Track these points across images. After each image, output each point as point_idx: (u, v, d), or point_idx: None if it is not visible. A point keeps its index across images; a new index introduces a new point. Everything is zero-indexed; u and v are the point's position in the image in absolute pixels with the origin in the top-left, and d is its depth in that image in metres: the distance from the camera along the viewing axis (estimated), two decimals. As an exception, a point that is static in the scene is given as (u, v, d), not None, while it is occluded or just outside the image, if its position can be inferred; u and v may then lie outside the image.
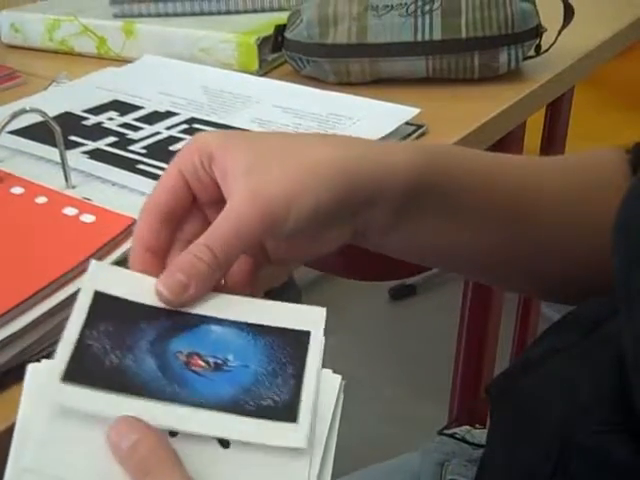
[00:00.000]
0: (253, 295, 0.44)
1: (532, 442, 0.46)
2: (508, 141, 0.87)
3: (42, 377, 0.39)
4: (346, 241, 0.48)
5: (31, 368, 0.39)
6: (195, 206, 0.46)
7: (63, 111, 0.74)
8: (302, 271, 2.00)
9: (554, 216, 0.52)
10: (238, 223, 0.42)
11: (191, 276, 0.41)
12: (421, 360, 1.85)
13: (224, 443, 0.38)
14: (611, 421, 0.42)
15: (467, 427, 0.68)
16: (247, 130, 0.70)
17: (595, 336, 0.47)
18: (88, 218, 0.52)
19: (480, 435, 0.66)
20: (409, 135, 0.72)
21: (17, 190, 0.56)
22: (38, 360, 0.46)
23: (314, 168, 0.43)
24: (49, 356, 0.46)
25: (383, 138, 0.69)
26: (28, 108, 0.59)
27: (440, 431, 0.68)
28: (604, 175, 0.55)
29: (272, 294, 0.48)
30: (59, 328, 0.48)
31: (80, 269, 0.49)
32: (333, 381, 0.40)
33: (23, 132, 0.69)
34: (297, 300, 1.68)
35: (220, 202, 0.44)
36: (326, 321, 0.42)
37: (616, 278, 0.43)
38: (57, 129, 0.60)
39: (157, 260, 0.44)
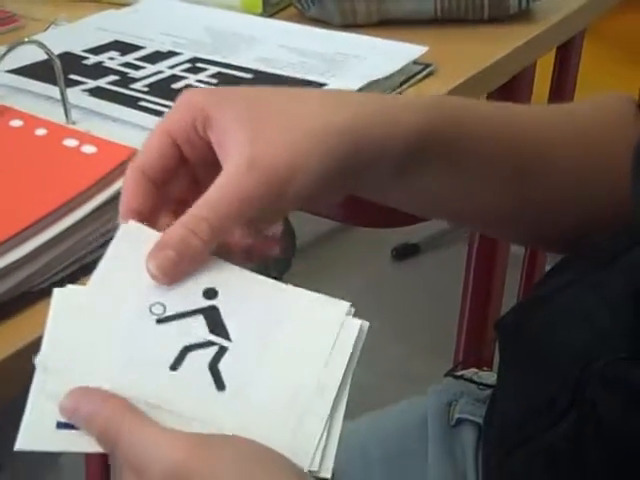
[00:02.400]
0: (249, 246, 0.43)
1: (548, 374, 0.45)
2: (518, 85, 0.85)
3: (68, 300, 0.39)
4: (347, 195, 0.46)
5: (57, 293, 0.39)
6: (183, 166, 0.43)
7: (63, 51, 0.72)
8: (303, 232, 2.00)
9: (566, 173, 0.51)
10: (238, 193, 0.39)
11: (183, 253, 0.38)
12: (425, 318, 1.84)
13: (220, 385, 0.37)
14: (630, 348, 0.41)
15: (474, 369, 0.67)
16: (242, 79, 0.68)
17: (611, 267, 0.46)
18: (89, 149, 0.51)
19: (488, 377, 0.65)
20: (417, 74, 0.71)
21: (16, 123, 0.55)
22: (41, 290, 0.46)
23: (318, 134, 0.41)
24: (51, 287, 0.45)
25: (390, 76, 0.68)
26: (27, 40, 0.58)
27: (447, 373, 0.67)
28: (613, 119, 0.54)
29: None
30: (60, 258, 0.48)
31: (82, 198, 0.48)
32: (352, 328, 0.39)
33: (22, 70, 0.68)
34: (292, 243, 1.64)
35: (212, 164, 0.42)
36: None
37: (636, 202, 0.42)
38: (57, 62, 0.59)
39: (145, 220, 0.41)
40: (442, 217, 0.55)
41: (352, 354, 0.38)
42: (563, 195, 0.51)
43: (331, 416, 0.37)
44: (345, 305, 0.39)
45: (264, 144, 0.40)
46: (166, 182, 0.43)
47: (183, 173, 0.43)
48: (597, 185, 0.52)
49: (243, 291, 0.40)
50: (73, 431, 0.36)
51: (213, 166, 0.41)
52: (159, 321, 0.38)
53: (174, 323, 0.38)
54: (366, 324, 0.39)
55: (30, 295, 0.45)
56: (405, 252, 2.06)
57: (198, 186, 0.42)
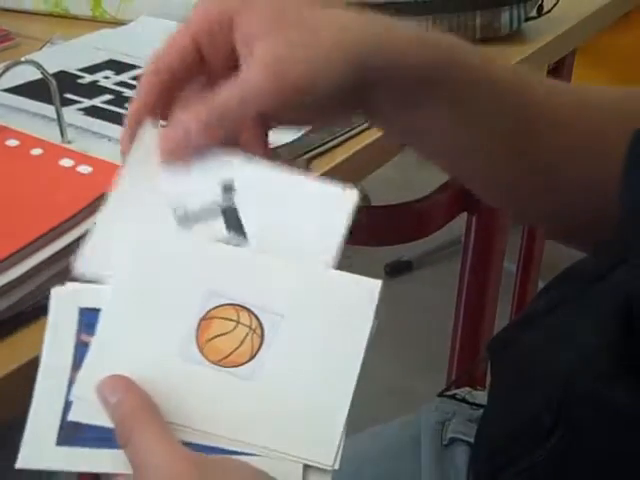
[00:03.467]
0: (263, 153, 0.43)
1: (533, 393, 0.45)
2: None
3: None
4: (356, 114, 0.47)
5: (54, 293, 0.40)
6: (201, 71, 0.44)
7: (58, 70, 0.72)
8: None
9: (568, 135, 0.50)
10: (255, 91, 0.40)
11: (189, 131, 0.40)
12: (418, 335, 1.85)
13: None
14: (614, 370, 0.41)
15: (467, 388, 0.68)
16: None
17: (598, 287, 0.46)
18: (85, 169, 0.52)
19: (480, 396, 0.66)
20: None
21: (12, 142, 0.55)
22: (35, 309, 0.46)
23: (338, 38, 0.41)
24: (45, 307, 0.45)
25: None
26: (23, 59, 0.58)
27: (440, 393, 0.67)
28: (614, 104, 0.53)
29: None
30: (55, 279, 0.48)
31: (78, 218, 0.48)
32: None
33: (18, 89, 0.68)
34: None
35: (232, 68, 0.42)
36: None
37: (621, 220, 0.42)
38: (52, 82, 0.59)
39: (154, 119, 0.43)
40: (438, 161, 0.52)
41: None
42: (563, 159, 0.50)
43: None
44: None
45: (286, 45, 0.41)
46: (184, 83, 0.43)
47: (201, 78, 0.44)
48: (588, 173, 0.50)
49: (260, 185, 0.41)
50: (73, 448, 0.36)
51: (233, 70, 0.42)
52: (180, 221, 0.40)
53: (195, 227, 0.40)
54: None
55: (25, 315, 0.46)
56: (398, 269, 2.06)
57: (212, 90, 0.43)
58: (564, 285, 0.51)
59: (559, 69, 1.03)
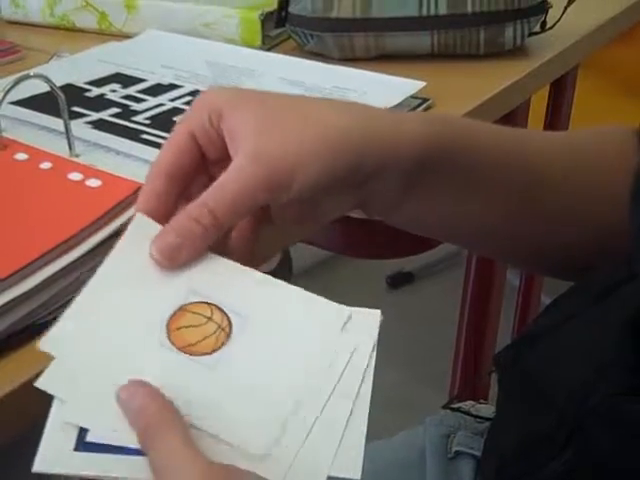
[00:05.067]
0: (252, 256, 0.45)
1: (545, 409, 0.46)
2: (512, 120, 0.86)
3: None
4: (350, 210, 0.47)
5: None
6: (203, 166, 0.45)
7: (65, 83, 0.73)
8: (298, 259, 1.99)
9: (564, 190, 0.52)
10: (242, 184, 0.41)
11: (185, 237, 0.40)
12: (420, 347, 1.84)
13: None
14: (628, 383, 0.42)
15: (471, 402, 0.68)
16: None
17: (610, 301, 0.47)
18: (94, 183, 0.52)
19: (485, 409, 0.66)
20: (414, 109, 0.72)
21: (21, 156, 0.55)
22: (44, 323, 0.46)
23: (322, 134, 0.43)
24: (55, 320, 0.46)
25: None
26: (32, 74, 0.59)
27: (444, 406, 0.67)
28: (613, 148, 0.55)
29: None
30: (65, 292, 0.48)
31: (87, 232, 0.48)
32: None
33: (25, 103, 0.69)
34: (288, 272, 1.67)
35: (226, 160, 0.43)
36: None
37: (633, 234, 0.42)
38: (61, 95, 0.59)
39: (161, 221, 0.43)
40: (444, 236, 0.55)
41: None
42: (560, 217, 0.52)
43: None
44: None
45: (271, 139, 0.42)
46: (186, 181, 0.44)
47: (203, 175, 0.45)
48: (597, 212, 0.53)
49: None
50: (90, 454, 0.36)
51: (227, 164, 0.42)
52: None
53: None
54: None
55: (34, 328, 0.46)
56: (399, 280, 2.06)
57: None
58: (572, 300, 0.51)
59: (562, 84, 1.03)
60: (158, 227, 0.42)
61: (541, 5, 0.81)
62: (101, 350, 0.39)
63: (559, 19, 0.84)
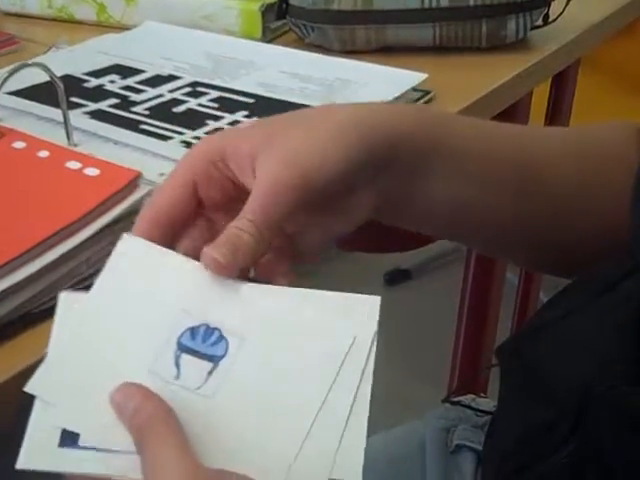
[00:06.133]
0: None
1: (548, 401, 0.45)
2: (514, 113, 0.86)
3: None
4: (368, 214, 0.46)
5: (63, 296, 0.40)
6: (198, 214, 0.43)
7: (63, 74, 0.72)
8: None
9: (564, 186, 0.52)
10: (274, 189, 0.40)
11: (238, 246, 0.39)
12: (417, 345, 1.84)
13: None
14: (633, 375, 0.41)
15: (471, 395, 0.67)
16: (243, 103, 0.68)
17: (613, 294, 0.46)
18: (92, 171, 0.51)
19: (485, 403, 0.65)
20: (416, 101, 0.71)
21: (19, 145, 0.54)
22: (42, 311, 0.46)
23: (338, 127, 0.43)
24: (52, 309, 0.45)
25: (390, 102, 0.68)
26: (30, 62, 0.58)
27: (444, 400, 0.67)
28: (615, 144, 0.55)
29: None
30: (62, 280, 0.47)
31: (85, 220, 0.48)
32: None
33: (23, 93, 0.68)
34: None
35: (232, 204, 0.42)
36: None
37: (635, 226, 0.42)
38: (60, 85, 0.59)
39: None
40: (446, 233, 0.54)
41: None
42: (560, 212, 0.52)
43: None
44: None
45: (289, 145, 0.41)
46: (181, 228, 0.42)
47: (200, 221, 0.43)
48: (594, 207, 0.52)
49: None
50: (75, 450, 0.36)
51: (232, 210, 0.41)
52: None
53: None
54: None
55: (32, 316, 0.45)
56: (396, 278, 2.06)
57: (213, 235, 0.42)
58: (575, 293, 0.51)
59: (563, 78, 1.03)
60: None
61: (544, -2, 0.80)
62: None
63: (561, 12, 0.84)
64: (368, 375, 0.38)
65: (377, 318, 0.39)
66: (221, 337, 0.38)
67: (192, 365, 0.38)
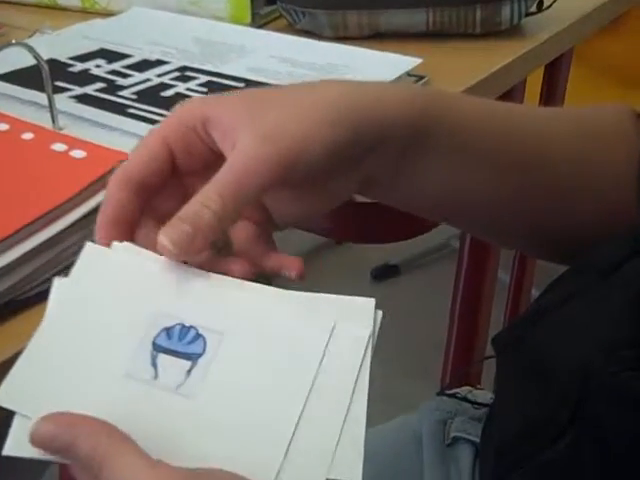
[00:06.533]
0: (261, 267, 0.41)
1: (548, 389, 0.44)
2: (508, 100, 0.84)
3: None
4: (352, 192, 0.45)
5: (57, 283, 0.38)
6: (173, 177, 0.41)
7: (48, 58, 0.70)
8: (280, 250, 1.97)
9: (564, 165, 0.50)
10: (251, 164, 0.38)
11: (197, 227, 0.37)
12: (406, 341, 1.83)
13: None
14: (634, 360, 0.40)
15: (467, 387, 0.66)
16: (233, 88, 0.67)
17: (612, 280, 0.45)
18: (78, 154, 0.50)
19: (482, 395, 0.64)
20: (410, 86, 0.70)
21: (2, 127, 0.53)
22: (27, 298, 0.44)
23: (325, 106, 0.41)
24: (38, 296, 0.44)
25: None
26: (14, 41, 0.56)
27: (439, 392, 0.66)
28: (612, 125, 0.53)
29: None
30: (48, 265, 0.46)
31: (72, 203, 0.46)
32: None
33: (6, 77, 0.66)
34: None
35: (208, 171, 0.40)
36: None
37: None
38: (45, 67, 0.57)
39: (125, 229, 0.40)
40: (439, 213, 0.53)
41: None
42: (561, 193, 0.50)
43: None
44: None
45: (272, 121, 0.39)
46: (153, 191, 0.41)
47: (173, 186, 0.41)
48: (595, 188, 0.51)
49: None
50: None
51: (209, 175, 0.39)
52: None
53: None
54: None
55: (16, 303, 0.43)
56: (385, 273, 2.05)
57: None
58: (573, 279, 0.49)
59: (556, 67, 1.02)
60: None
61: (538, -16, 0.79)
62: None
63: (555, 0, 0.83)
64: (364, 375, 0.36)
65: (372, 319, 0.38)
66: (198, 335, 0.37)
67: (170, 364, 0.36)
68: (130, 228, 0.40)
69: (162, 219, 0.38)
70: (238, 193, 0.38)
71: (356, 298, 0.38)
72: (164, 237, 0.37)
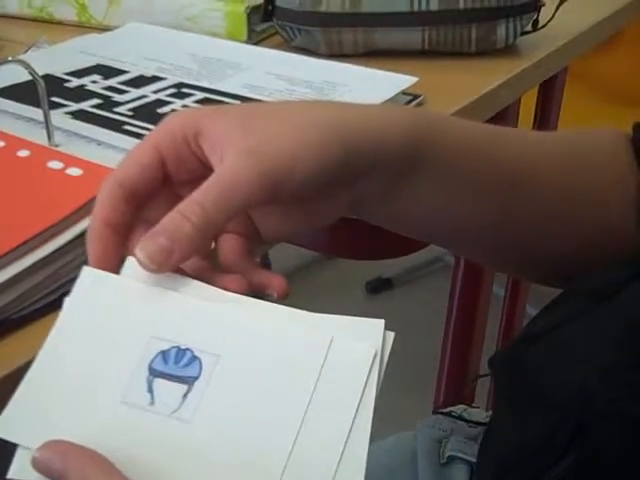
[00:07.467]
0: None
1: (546, 412, 0.44)
2: (502, 120, 0.85)
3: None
4: (342, 213, 0.45)
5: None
6: (165, 186, 0.41)
7: (44, 73, 0.70)
8: (275, 263, 1.97)
9: (553, 189, 0.50)
10: (234, 179, 0.38)
11: (175, 240, 0.37)
12: (400, 354, 1.83)
13: None
14: (633, 385, 0.40)
15: (462, 406, 0.66)
16: (238, 96, 0.67)
17: (611, 303, 0.45)
18: (75, 171, 0.49)
19: (477, 413, 0.64)
20: (406, 105, 0.70)
21: (-2, 143, 0.53)
22: (22, 317, 0.44)
23: (316, 125, 0.41)
24: (32, 314, 0.43)
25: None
26: (10, 58, 0.56)
27: (435, 410, 0.65)
28: (604, 150, 0.54)
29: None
30: (44, 284, 0.45)
31: (68, 222, 0.46)
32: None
33: (2, 92, 0.66)
34: None
35: (199, 182, 0.39)
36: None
37: None
38: (41, 83, 0.57)
39: (117, 237, 0.40)
40: (429, 235, 0.53)
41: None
42: (550, 218, 0.51)
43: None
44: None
45: (261, 137, 0.39)
46: (145, 199, 0.41)
47: (164, 194, 0.41)
48: (583, 212, 0.51)
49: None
50: None
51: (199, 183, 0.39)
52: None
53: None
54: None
55: (10, 322, 0.43)
56: (378, 287, 2.05)
57: None
58: (570, 302, 0.49)
59: (550, 86, 1.02)
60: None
61: (533, 3, 0.79)
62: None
63: (551, 18, 0.83)
64: (370, 393, 0.37)
65: (380, 339, 0.37)
66: (194, 357, 0.36)
67: (166, 389, 0.36)
68: (121, 237, 0.40)
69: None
70: (220, 206, 0.38)
71: (366, 319, 0.38)
72: (140, 251, 0.37)
